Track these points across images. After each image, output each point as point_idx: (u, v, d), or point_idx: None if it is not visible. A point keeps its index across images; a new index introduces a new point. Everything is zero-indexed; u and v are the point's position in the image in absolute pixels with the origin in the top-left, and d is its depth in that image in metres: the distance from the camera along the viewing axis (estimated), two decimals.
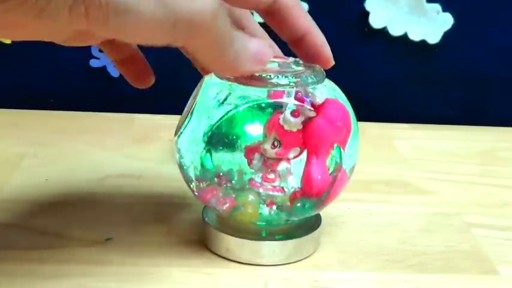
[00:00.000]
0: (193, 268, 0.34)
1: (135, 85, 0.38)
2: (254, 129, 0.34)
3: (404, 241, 0.38)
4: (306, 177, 0.33)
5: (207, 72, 0.35)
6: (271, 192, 0.33)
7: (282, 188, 0.33)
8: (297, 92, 0.33)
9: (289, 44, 0.35)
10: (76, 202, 0.41)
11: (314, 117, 0.32)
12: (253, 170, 0.33)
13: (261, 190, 0.33)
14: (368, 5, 0.58)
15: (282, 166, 0.33)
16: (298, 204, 0.33)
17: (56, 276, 0.33)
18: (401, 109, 0.62)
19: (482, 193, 0.47)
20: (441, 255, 0.37)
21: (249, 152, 0.33)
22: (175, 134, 0.35)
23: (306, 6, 0.56)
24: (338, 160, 0.33)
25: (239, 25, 0.35)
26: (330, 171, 0.33)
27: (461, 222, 0.41)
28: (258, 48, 0.30)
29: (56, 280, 0.32)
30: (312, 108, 0.32)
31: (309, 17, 0.34)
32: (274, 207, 0.34)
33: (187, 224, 0.39)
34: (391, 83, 0.62)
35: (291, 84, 0.32)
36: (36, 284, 0.32)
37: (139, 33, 0.24)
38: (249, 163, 0.33)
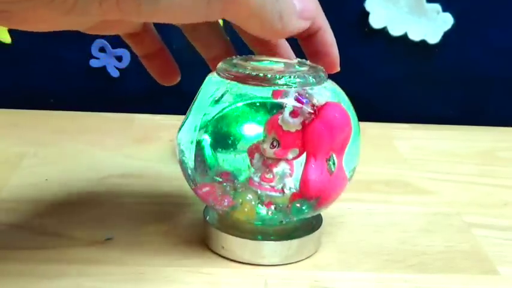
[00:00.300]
0: (193, 268, 0.34)
1: (161, 82, 0.38)
2: (248, 128, 0.34)
3: (404, 241, 0.38)
4: (304, 179, 0.33)
5: (215, 66, 0.35)
6: (268, 192, 0.33)
7: (282, 189, 0.33)
8: (296, 93, 0.33)
9: (299, 39, 0.35)
10: (76, 202, 0.41)
11: (314, 119, 0.32)
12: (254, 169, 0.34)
13: (258, 190, 0.33)
14: (368, 5, 0.58)
15: (281, 167, 0.33)
16: (297, 205, 0.33)
17: (56, 276, 0.33)
18: (401, 109, 0.62)
19: (482, 193, 0.47)
20: (441, 255, 0.37)
21: (252, 151, 0.33)
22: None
23: None
24: (332, 166, 0.33)
25: None
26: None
27: (461, 222, 0.41)
28: (303, 3, 0.30)
29: (56, 280, 0.32)
30: (311, 110, 0.32)
31: (323, 14, 0.34)
32: (273, 207, 0.34)
33: (188, 224, 0.39)
34: (391, 83, 0.62)
35: (288, 84, 0.32)
36: (36, 284, 0.32)
37: (174, 15, 0.24)
38: (251, 161, 0.33)
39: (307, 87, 0.33)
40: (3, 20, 0.25)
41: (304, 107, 0.32)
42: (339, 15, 0.59)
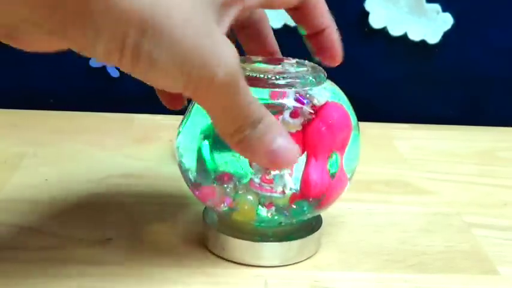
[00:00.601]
0: (194, 268, 0.34)
1: (168, 106, 0.37)
2: None
3: (404, 241, 0.38)
4: (304, 179, 0.33)
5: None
6: (269, 194, 0.33)
7: (282, 189, 0.33)
8: (296, 94, 0.33)
9: (306, 36, 0.35)
10: (76, 202, 0.41)
11: (314, 119, 0.32)
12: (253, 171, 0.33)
13: (259, 191, 0.33)
14: (368, 5, 0.58)
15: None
16: (297, 206, 0.33)
17: (56, 276, 0.33)
18: (401, 109, 0.62)
19: (482, 193, 0.47)
20: (441, 255, 0.37)
21: None
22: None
23: None
24: (337, 165, 0.33)
25: (255, 29, 0.36)
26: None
27: (461, 222, 0.41)
28: (282, 146, 0.29)
29: (56, 280, 0.32)
30: (311, 111, 0.32)
31: (329, 13, 0.34)
32: (273, 208, 0.34)
33: (188, 224, 0.39)
34: (391, 83, 0.62)
35: (288, 85, 0.32)
36: (36, 284, 0.32)
37: (157, 83, 0.27)
38: (250, 163, 0.33)
39: (307, 88, 0.33)
40: (10, 40, 0.26)
41: (305, 107, 0.32)
42: (339, 15, 0.58)
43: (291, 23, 0.58)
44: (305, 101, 0.32)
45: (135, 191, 0.43)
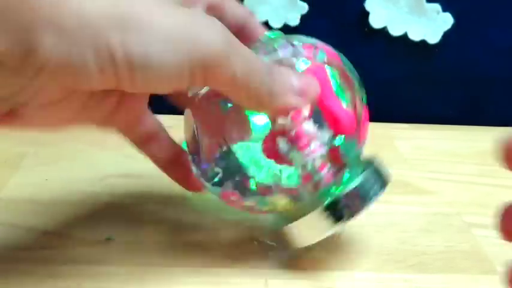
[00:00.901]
0: (194, 268, 0.34)
1: (187, 189, 0.37)
2: (258, 119, 0.32)
3: (404, 241, 0.38)
4: (333, 118, 0.32)
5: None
6: (314, 155, 0.31)
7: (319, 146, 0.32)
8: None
9: None
10: (76, 202, 0.41)
11: (312, 63, 0.32)
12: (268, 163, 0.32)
13: (304, 158, 0.31)
14: (368, 5, 0.58)
15: (307, 126, 0.31)
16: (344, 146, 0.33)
17: (56, 276, 0.33)
18: (402, 109, 0.62)
19: (482, 193, 0.47)
20: (441, 255, 0.37)
21: (268, 144, 0.31)
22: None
23: (305, 6, 0.56)
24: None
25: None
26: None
27: (461, 222, 0.41)
28: (301, 80, 0.29)
29: (56, 280, 0.32)
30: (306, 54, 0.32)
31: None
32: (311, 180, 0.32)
33: (188, 223, 0.39)
34: (391, 83, 0.62)
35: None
36: (36, 283, 0.32)
37: (164, 84, 0.25)
38: (268, 154, 0.31)
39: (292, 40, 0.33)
40: (11, 119, 0.27)
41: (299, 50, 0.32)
42: (339, 15, 0.59)
43: (292, 23, 0.58)
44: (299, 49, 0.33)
45: (135, 191, 0.43)
